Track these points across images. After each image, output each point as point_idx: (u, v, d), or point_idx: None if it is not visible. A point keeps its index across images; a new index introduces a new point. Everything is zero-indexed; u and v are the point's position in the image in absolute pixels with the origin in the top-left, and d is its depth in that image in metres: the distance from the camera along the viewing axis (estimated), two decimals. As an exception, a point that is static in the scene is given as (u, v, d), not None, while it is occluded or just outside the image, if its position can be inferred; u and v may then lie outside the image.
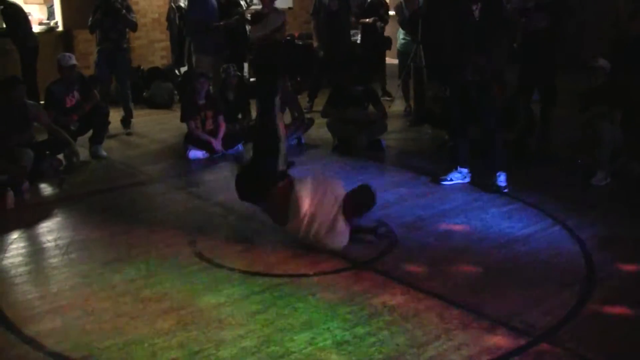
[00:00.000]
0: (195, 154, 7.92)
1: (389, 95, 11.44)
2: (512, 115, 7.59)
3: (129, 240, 5.44)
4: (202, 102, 8.13)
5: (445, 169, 6.90)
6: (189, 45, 11.26)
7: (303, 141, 8.62)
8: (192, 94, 8.26)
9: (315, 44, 10.72)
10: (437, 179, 6.85)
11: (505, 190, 6.48)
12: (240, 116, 8.97)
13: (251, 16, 10.14)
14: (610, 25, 8.06)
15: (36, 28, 11.87)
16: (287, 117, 8.72)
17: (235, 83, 8.89)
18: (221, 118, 8.21)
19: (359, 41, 11.95)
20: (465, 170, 6.81)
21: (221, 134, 8.08)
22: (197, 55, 9.48)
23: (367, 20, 11.10)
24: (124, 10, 9.03)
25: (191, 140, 8.03)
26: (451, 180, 6.78)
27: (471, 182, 6.76)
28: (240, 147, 8.21)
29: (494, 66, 6.40)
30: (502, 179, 6.54)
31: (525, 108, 7.92)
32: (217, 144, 7.94)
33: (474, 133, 6.85)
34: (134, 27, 9.45)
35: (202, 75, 8.33)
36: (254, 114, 8.89)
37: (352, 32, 11.69)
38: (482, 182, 6.69)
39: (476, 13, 6.25)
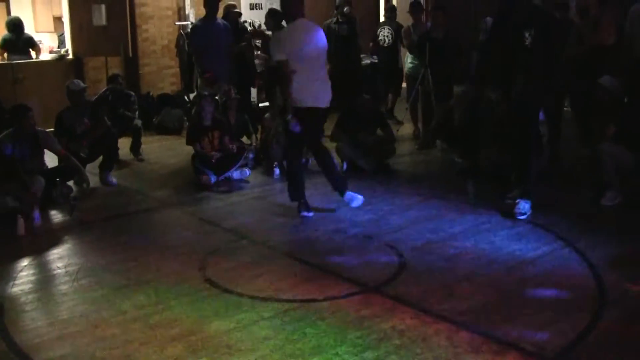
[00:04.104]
0: (205, 179, 7.88)
1: (396, 119, 11.44)
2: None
3: (139, 267, 5.45)
4: (208, 123, 8.14)
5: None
6: (198, 72, 11.33)
7: (310, 164, 8.59)
8: (197, 116, 8.28)
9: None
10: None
11: (522, 217, 6.34)
12: (245, 138, 8.98)
13: (263, 44, 10.21)
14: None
15: (47, 56, 12.01)
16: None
17: (235, 105, 8.90)
18: (227, 139, 8.19)
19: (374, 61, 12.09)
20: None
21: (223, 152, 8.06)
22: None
23: None
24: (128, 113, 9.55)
25: (198, 157, 8.00)
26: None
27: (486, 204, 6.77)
28: (247, 172, 8.19)
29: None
30: (522, 207, 6.39)
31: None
32: (212, 178, 7.89)
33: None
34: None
35: (206, 97, 8.36)
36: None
37: (362, 55, 11.79)
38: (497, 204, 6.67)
39: (528, 40, 6.28)
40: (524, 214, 6.37)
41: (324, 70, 6.74)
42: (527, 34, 6.27)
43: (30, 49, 11.47)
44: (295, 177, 6.70)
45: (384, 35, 11.41)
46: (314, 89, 6.45)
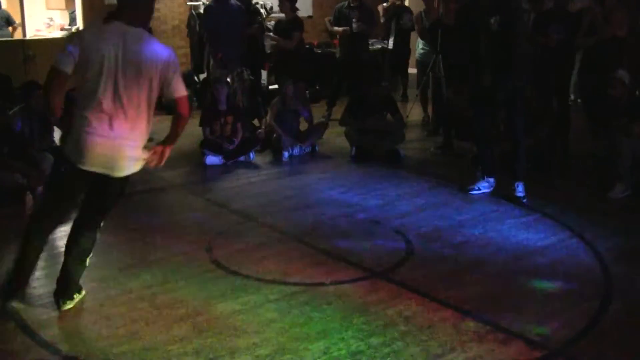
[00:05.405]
0: (212, 159, 7.91)
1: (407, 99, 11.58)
2: (538, 119, 7.55)
3: (146, 246, 5.47)
4: (223, 107, 8.14)
5: (473, 178, 6.90)
6: (209, 52, 11.29)
7: (317, 148, 8.58)
8: (213, 101, 8.27)
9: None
10: (464, 188, 6.84)
11: (524, 201, 6.45)
12: (256, 121, 8.96)
13: (275, 25, 10.19)
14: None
15: (58, 34, 11.98)
16: (302, 125, 8.75)
17: (247, 87, 8.87)
18: (240, 125, 8.19)
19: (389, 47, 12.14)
20: (492, 180, 6.79)
21: (238, 140, 8.07)
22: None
23: None
24: None
25: (206, 144, 8.02)
26: (479, 189, 6.78)
27: (493, 192, 6.74)
28: (252, 155, 8.18)
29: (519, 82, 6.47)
30: (520, 189, 6.52)
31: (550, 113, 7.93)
32: (227, 145, 7.95)
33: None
34: None
35: (218, 82, 8.35)
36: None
37: (370, 41, 11.76)
38: (502, 191, 6.67)
39: (494, 26, 6.26)
40: (523, 193, 6.48)
41: None
42: (492, 20, 6.26)
43: (9, 26, 11.54)
44: None
45: (409, 20, 11.43)
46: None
